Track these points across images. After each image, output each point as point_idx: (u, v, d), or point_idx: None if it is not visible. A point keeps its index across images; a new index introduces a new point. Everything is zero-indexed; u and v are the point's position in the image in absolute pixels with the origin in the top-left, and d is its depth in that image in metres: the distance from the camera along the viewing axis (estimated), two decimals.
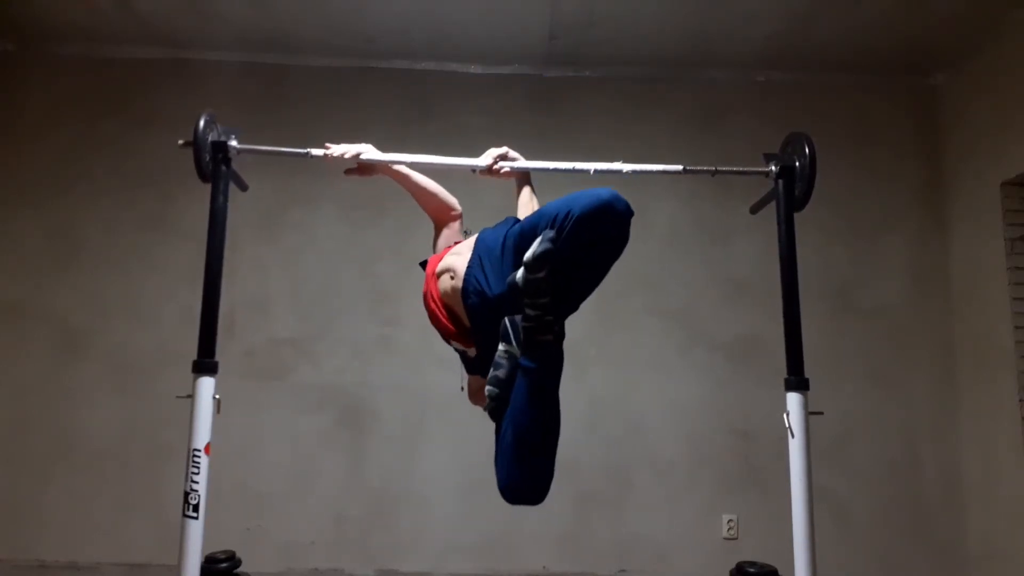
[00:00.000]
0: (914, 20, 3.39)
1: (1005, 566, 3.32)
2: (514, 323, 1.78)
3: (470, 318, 1.92)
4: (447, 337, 2.04)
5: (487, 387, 1.78)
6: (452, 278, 1.94)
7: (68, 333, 3.58)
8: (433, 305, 2.00)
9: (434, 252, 2.20)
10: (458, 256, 1.97)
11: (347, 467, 3.54)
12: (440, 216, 2.24)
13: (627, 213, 1.69)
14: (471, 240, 2.01)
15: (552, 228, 1.64)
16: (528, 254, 1.63)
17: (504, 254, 1.87)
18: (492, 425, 3.52)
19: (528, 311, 1.69)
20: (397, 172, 2.19)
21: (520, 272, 1.67)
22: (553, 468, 1.77)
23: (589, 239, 1.67)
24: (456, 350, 2.08)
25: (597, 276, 1.79)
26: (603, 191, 1.66)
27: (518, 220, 1.96)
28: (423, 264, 2.17)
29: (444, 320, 1.98)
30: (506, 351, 1.77)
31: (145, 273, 3.64)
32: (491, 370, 1.79)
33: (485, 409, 1.83)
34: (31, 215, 3.66)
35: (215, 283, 2.08)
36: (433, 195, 2.21)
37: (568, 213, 1.63)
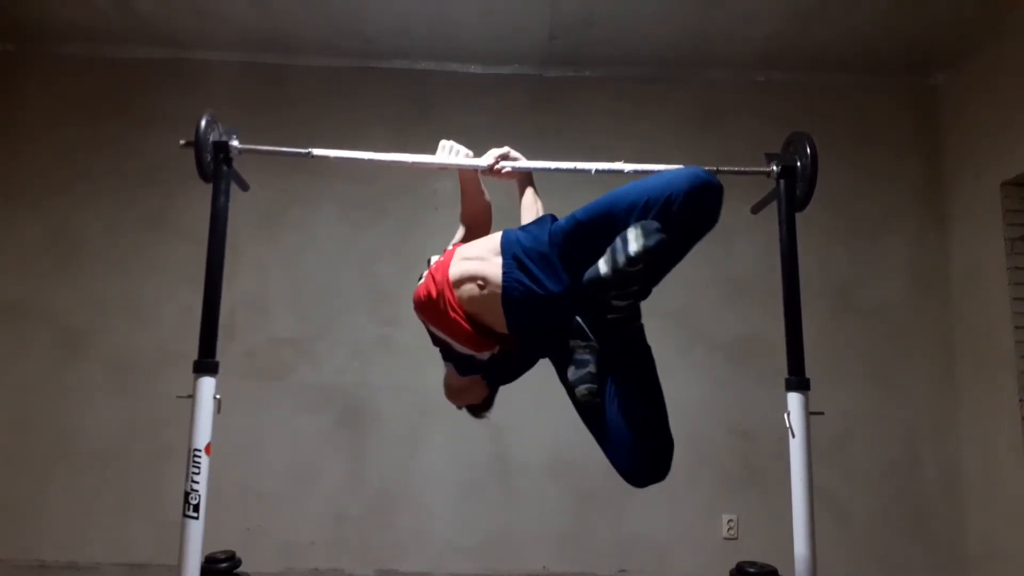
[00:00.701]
0: (914, 20, 3.39)
1: (1005, 566, 3.32)
2: (581, 321, 1.76)
3: (514, 322, 1.85)
4: (461, 340, 1.94)
5: (585, 386, 1.74)
6: (482, 286, 1.85)
7: (68, 333, 3.58)
8: (453, 314, 1.89)
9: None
10: (482, 262, 1.87)
11: (347, 467, 3.54)
12: (476, 224, 2.18)
13: (720, 186, 1.64)
14: (489, 243, 1.92)
15: (648, 217, 1.58)
16: (633, 249, 1.55)
17: (553, 250, 1.80)
18: (492, 427, 3.52)
19: (616, 302, 1.66)
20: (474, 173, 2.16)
21: (605, 267, 1.60)
22: (672, 439, 1.78)
23: (691, 221, 1.64)
24: (460, 354, 2.01)
25: (682, 255, 1.76)
26: (686, 170, 1.63)
27: (555, 218, 1.90)
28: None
29: (465, 326, 1.89)
30: (586, 346, 1.74)
31: (145, 273, 3.64)
32: (573, 368, 1.76)
33: (582, 402, 1.78)
34: (31, 215, 3.66)
35: (216, 283, 2.08)
36: (486, 204, 2.19)
37: (669, 198, 1.58)
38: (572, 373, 1.76)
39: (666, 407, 1.80)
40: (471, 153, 2.15)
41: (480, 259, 1.89)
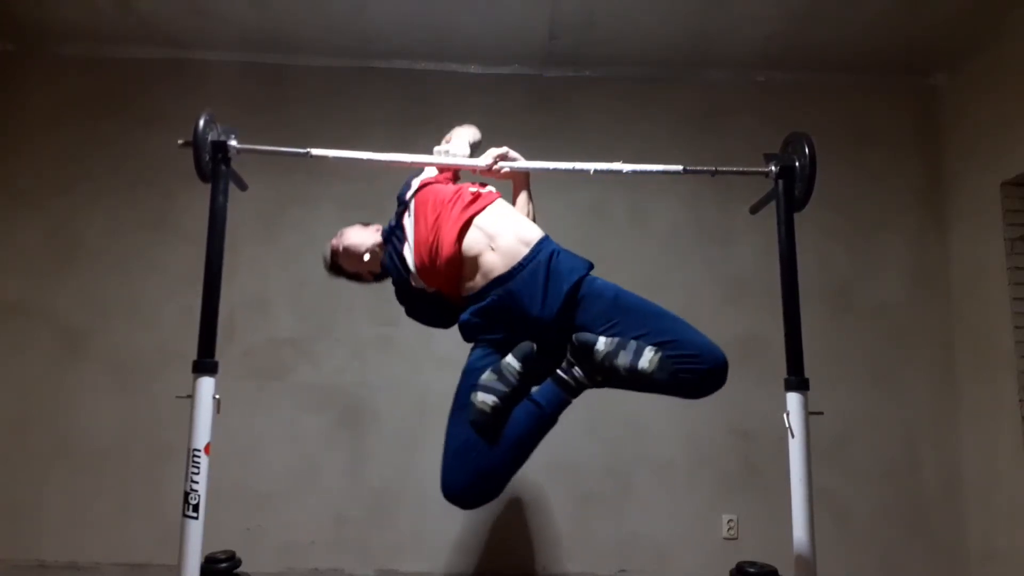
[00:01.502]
0: (914, 20, 3.39)
1: (1005, 566, 3.32)
2: (534, 354, 1.82)
3: (491, 305, 1.94)
4: (424, 247, 2.04)
5: (486, 396, 1.79)
6: (494, 249, 1.96)
7: (68, 333, 3.58)
8: (449, 251, 1.99)
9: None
10: (510, 239, 1.97)
11: (347, 467, 3.54)
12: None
13: (724, 382, 1.79)
14: (527, 231, 2.02)
15: (664, 351, 1.71)
16: (641, 365, 1.70)
17: (570, 289, 1.89)
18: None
19: (578, 376, 1.77)
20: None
21: (603, 347, 1.72)
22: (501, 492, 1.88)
23: (687, 385, 1.75)
24: (410, 284, 2.14)
25: (650, 392, 1.84)
26: (718, 350, 1.76)
27: (591, 266, 2.00)
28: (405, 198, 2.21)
29: (447, 248, 1.99)
30: (519, 374, 1.80)
31: (145, 273, 3.64)
32: (490, 375, 1.81)
33: (474, 417, 1.84)
34: (31, 215, 3.66)
35: (215, 283, 2.08)
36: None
37: (696, 358, 1.72)
38: (488, 381, 1.82)
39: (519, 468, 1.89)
40: (468, 151, 2.16)
41: (509, 235, 1.97)
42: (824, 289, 3.71)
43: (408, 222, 2.17)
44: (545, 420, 1.80)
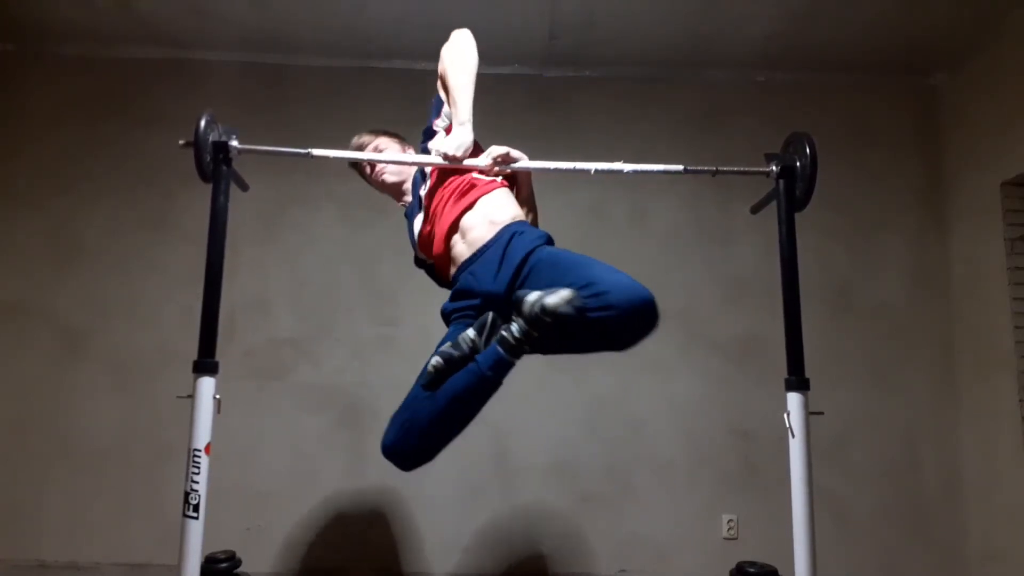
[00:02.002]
0: (914, 20, 3.39)
1: (1005, 566, 3.32)
2: (495, 323, 1.86)
3: (459, 289, 2.07)
4: (424, 252, 2.23)
5: (435, 359, 1.84)
6: (464, 240, 2.09)
7: (68, 333, 3.58)
8: (438, 249, 2.13)
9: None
10: (475, 228, 2.08)
11: (347, 467, 3.54)
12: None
13: (655, 324, 1.69)
14: (504, 213, 2.10)
15: (581, 295, 1.66)
16: (550, 300, 1.66)
17: (505, 265, 1.96)
18: (494, 427, 3.54)
19: (516, 332, 1.75)
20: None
21: (532, 303, 1.70)
22: (437, 454, 1.91)
23: (608, 329, 1.69)
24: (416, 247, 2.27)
25: (588, 349, 1.83)
26: (645, 290, 1.67)
27: (546, 238, 2.05)
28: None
29: (435, 259, 2.17)
30: (472, 341, 1.85)
31: (145, 273, 3.64)
32: (447, 344, 1.87)
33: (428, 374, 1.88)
34: (31, 215, 3.66)
35: (215, 283, 2.08)
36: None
37: (603, 295, 1.65)
38: (445, 348, 1.86)
39: (459, 432, 1.90)
40: (471, 147, 2.16)
41: (482, 223, 2.08)
42: (824, 289, 3.71)
43: (423, 191, 2.28)
44: (481, 377, 1.79)
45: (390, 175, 2.38)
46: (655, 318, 1.68)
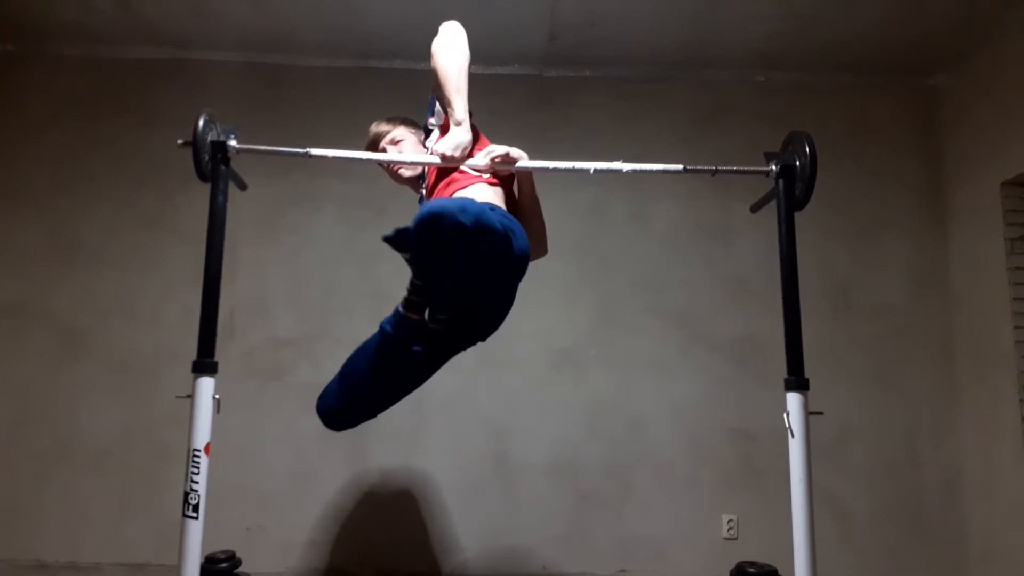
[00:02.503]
0: (914, 20, 3.39)
1: (1005, 566, 3.32)
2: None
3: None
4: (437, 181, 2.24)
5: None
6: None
7: (68, 333, 3.58)
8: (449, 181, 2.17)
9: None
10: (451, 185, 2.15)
11: (347, 467, 3.54)
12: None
13: (448, 222, 1.57)
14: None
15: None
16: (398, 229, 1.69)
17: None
18: (492, 427, 3.53)
19: (408, 285, 1.87)
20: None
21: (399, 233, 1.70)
22: (363, 420, 2.11)
23: (425, 242, 1.66)
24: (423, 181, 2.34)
25: (470, 289, 1.84)
26: (433, 205, 1.60)
27: (494, 208, 1.95)
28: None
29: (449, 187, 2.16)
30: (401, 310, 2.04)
31: (145, 273, 3.64)
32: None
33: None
34: (31, 215, 3.66)
35: (215, 283, 2.08)
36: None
37: (416, 219, 1.63)
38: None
39: (390, 402, 2.15)
40: (468, 146, 2.15)
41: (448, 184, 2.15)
42: (824, 289, 3.71)
43: (424, 189, 2.31)
44: (387, 337, 1.97)
45: (406, 169, 2.33)
46: (440, 219, 1.57)
